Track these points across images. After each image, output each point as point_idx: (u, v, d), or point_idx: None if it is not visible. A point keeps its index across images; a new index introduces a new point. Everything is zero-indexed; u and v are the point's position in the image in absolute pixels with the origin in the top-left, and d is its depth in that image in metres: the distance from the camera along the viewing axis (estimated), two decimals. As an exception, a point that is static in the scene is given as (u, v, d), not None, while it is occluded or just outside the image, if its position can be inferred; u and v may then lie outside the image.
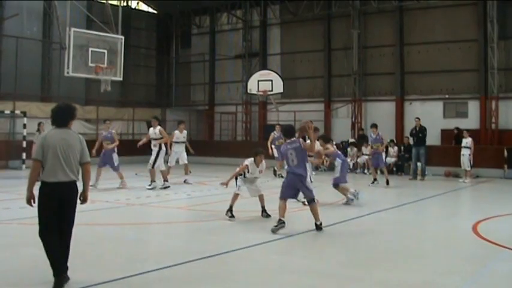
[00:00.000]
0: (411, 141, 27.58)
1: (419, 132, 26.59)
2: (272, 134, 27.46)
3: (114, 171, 21.46)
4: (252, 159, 14.74)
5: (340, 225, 13.79)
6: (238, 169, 14.85)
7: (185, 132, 24.14)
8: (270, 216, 14.46)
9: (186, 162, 23.72)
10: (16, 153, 30.55)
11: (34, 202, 8.33)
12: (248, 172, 14.77)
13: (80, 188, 8.60)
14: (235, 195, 14.75)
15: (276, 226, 12.62)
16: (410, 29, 33.48)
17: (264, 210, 14.89)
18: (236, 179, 15.00)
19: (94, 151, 20.35)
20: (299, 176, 13.03)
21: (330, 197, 18.90)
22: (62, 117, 8.61)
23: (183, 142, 23.79)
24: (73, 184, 8.37)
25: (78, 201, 8.56)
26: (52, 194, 8.21)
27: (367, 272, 9.27)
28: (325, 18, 36.57)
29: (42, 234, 8.27)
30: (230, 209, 14.59)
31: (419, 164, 26.82)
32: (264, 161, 15.04)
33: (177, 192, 20.36)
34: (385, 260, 10.32)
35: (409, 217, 16.10)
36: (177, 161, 23.56)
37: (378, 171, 24.36)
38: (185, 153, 23.74)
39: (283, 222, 12.70)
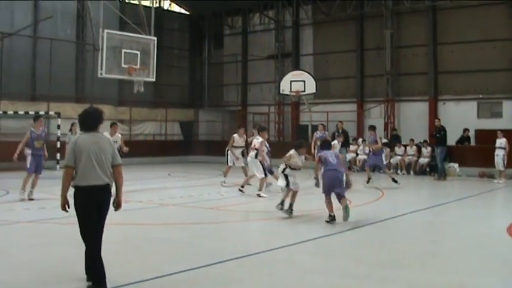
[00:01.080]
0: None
1: (437, 133, 26.42)
2: (315, 133, 27.20)
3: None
4: (294, 151, 15.25)
5: (372, 226, 13.72)
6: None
7: (244, 136, 23.82)
8: (292, 213, 14.65)
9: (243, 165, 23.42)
10: (50, 153, 30.68)
11: (69, 207, 8.34)
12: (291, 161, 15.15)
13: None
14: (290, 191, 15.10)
15: (328, 221, 13.63)
16: (443, 28, 33.17)
17: (290, 207, 14.97)
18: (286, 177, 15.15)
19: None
20: (340, 172, 14.17)
21: (362, 198, 18.83)
22: (91, 122, 8.54)
23: (241, 147, 23.46)
24: (107, 187, 8.34)
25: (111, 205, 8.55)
26: (87, 198, 8.20)
27: (400, 273, 9.25)
28: (358, 18, 36.42)
29: (84, 238, 8.31)
30: (290, 206, 14.95)
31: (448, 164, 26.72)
32: (304, 155, 15.78)
33: (210, 193, 20.39)
34: (417, 261, 10.26)
35: (442, 218, 15.94)
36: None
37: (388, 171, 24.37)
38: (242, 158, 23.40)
39: (334, 216, 13.76)
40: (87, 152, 8.20)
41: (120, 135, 20.52)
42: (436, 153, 26.55)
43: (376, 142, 24.01)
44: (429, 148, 29.15)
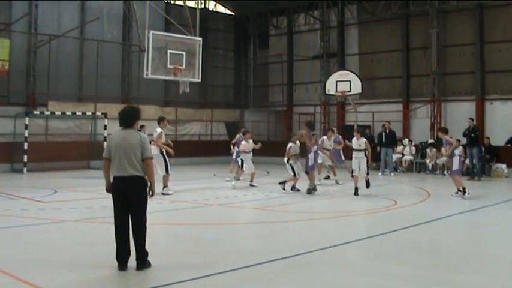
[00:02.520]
0: (464, 141, 26.96)
1: (472, 133, 26.07)
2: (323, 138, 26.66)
3: None
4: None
5: (419, 227, 13.60)
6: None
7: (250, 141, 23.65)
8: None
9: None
10: (97, 153, 31.04)
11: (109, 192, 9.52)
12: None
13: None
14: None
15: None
16: (490, 26, 32.67)
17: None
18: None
19: None
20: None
21: (409, 199, 18.70)
22: (126, 119, 9.53)
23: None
24: (134, 178, 9.23)
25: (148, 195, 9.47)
26: (115, 187, 9.35)
27: (448, 276, 9.11)
28: (403, 18, 36.09)
29: (114, 221, 9.42)
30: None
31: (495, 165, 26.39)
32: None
33: (255, 193, 20.42)
34: (466, 264, 10.14)
35: (490, 219, 15.75)
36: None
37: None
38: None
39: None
40: (116, 147, 9.29)
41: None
42: (473, 154, 26.20)
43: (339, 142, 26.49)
44: (461, 148, 28.65)
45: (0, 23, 30.83)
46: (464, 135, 26.39)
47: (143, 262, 9.16)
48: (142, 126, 25.12)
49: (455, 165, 19.27)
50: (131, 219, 9.31)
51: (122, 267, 9.11)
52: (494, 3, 32.17)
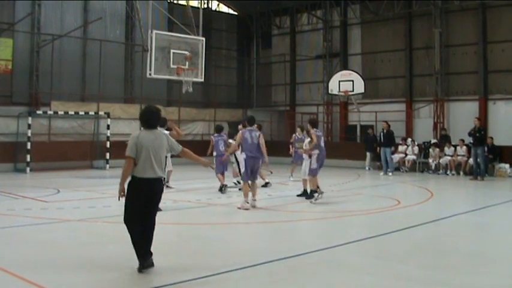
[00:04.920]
0: (469, 141, 26.92)
1: (477, 132, 26.02)
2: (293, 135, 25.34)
3: None
4: None
5: (422, 227, 13.59)
6: None
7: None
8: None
9: None
10: (100, 153, 31.10)
11: (123, 195, 9.08)
12: None
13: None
14: None
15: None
16: (493, 26, 32.68)
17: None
18: None
19: None
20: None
21: (412, 199, 18.69)
22: (153, 120, 9.30)
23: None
24: (160, 180, 9.13)
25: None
26: (141, 188, 8.94)
27: (448, 276, 9.10)
28: (406, 17, 36.16)
29: (128, 221, 9.03)
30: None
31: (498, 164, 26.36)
32: None
33: (258, 193, 20.30)
34: (465, 264, 10.13)
35: (494, 220, 15.62)
36: None
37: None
38: None
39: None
40: (147, 148, 8.98)
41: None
42: (478, 154, 26.16)
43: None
44: (464, 147, 28.70)
45: (4, 23, 30.89)
46: (470, 134, 26.33)
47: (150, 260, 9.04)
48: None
49: (313, 163, 18.55)
50: (149, 220, 9.17)
51: (149, 263, 8.94)
52: (497, 3, 32.19)
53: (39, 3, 32.23)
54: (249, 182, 16.41)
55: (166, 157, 9.55)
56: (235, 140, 19.67)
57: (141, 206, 8.98)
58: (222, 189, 20.07)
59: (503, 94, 32.23)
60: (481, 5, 32.71)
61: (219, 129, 21.59)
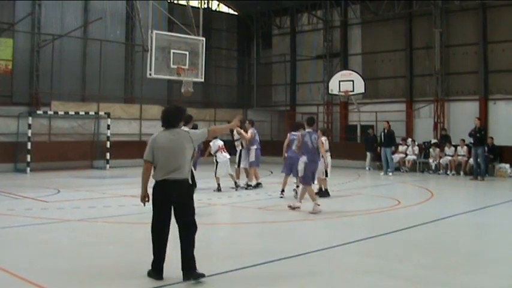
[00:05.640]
0: (469, 141, 26.92)
1: (478, 132, 26.02)
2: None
3: None
4: None
5: (422, 227, 13.61)
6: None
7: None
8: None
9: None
10: (100, 153, 31.13)
11: (148, 201, 8.81)
12: None
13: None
14: None
15: None
16: (494, 26, 32.61)
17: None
18: None
19: None
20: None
21: (412, 199, 18.70)
22: (170, 119, 8.86)
23: None
24: (181, 182, 8.63)
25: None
26: (162, 191, 8.58)
27: (448, 276, 9.12)
28: (407, 17, 36.14)
29: (151, 229, 8.71)
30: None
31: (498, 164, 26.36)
32: None
33: (258, 193, 20.38)
34: (465, 264, 10.14)
35: (494, 220, 15.65)
36: None
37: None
38: None
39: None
40: (164, 149, 8.61)
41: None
42: (478, 154, 26.16)
43: None
44: (465, 148, 28.75)
45: (4, 23, 30.91)
46: (470, 135, 26.33)
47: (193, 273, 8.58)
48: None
49: (252, 157, 19.52)
50: (181, 225, 8.66)
51: (160, 276, 8.61)
52: (498, 3, 32.14)
53: (40, 3, 32.24)
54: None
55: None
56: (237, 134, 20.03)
57: (161, 211, 8.64)
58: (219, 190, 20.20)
59: (504, 94, 32.17)
60: (481, 5, 32.65)
61: None
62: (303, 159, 15.77)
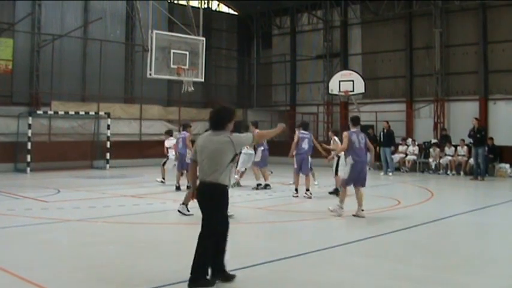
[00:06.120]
0: (469, 141, 26.93)
1: (478, 133, 26.02)
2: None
3: None
4: None
5: (423, 227, 13.62)
6: None
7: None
8: None
9: None
10: (100, 153, 31.16)
11: (194, 198, 8.75)
12: None
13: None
14: None
15: None
16: (494, 26, 32.62)
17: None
18: None
19: None
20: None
21: (412, 199, 18.69)
22: (215, 120, 8.57)
23: None
24: (213, 185, 8.36)
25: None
26: (198, 193, 8.53)
27: (453, 276, 9.10)
28: (407, 17, 36.19)
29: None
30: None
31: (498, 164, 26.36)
32: None
33: (258, 193, 20.35)
34: (466, 264, 10.12)
35: (494, 220, 15.62)
36: None
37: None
38: None
39: None
40: (202, 151, 8.45)
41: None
42: (479, 154, 26.16)
43: None
44: (465, 148, 28.79)
45: (4, 23, 30.94)
46: (470, 135, 26.33)
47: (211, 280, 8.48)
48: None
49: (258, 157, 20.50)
50: (203, 230, 8.62)
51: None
52: (498, 3, 32.16)
53: (40, 3, 32.32)
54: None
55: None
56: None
57: (204, 211, 8.54)
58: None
59: (504, 94, 32.19)
60: (481, 5, 32.68)
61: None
62: (349, 160, 15.02)
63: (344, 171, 15.51)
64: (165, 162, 23.22)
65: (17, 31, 31.62)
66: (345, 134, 15.14)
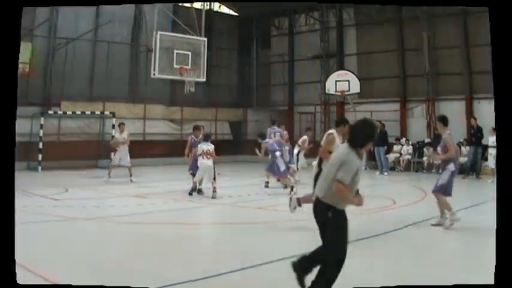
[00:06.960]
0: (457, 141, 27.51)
1: (478, 132, 26.69)
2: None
3: None
4: None
5: (417, 227, 14.01)
6: None
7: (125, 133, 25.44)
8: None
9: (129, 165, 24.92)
10: (105, 153, 31.69)
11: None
12: None
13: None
14: None
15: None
16: (474, 31, 33.01)
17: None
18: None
19: None
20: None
21: (406, 199, 19.50)
22: (354, 137, 7.77)
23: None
24: (318, 202, 7.80)
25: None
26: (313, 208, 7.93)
27: (447, 275, 9.28)
28: (397, 21, 36.67)
29: None
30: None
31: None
32: None
33: (257, 193, 20.84)
34: (463, 263, 10.51)
35: (485, 217, 15.01)
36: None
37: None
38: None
39: None
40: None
41: (126, 132, 24.52)
42: (477, 153, 26.86)
43: None
44: (468, 147, 29.15)
45: (24, 28, 31.63)
46: (472, 135, 26.95)
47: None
48: (120, 125, 26.05)
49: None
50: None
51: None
52: (477, 9, 32.54)
53: (57, 9, 33.00)
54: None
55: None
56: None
57: (319, 229, 7.88)
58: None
59: (486, 93, 32.39)
60: (462, 11, 33.10)
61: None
62: (451, 167, 13.91)
63: (444, 179, 14.05)
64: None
65: (36, 35, 32.45)
66: (446, 139, 14.01)
